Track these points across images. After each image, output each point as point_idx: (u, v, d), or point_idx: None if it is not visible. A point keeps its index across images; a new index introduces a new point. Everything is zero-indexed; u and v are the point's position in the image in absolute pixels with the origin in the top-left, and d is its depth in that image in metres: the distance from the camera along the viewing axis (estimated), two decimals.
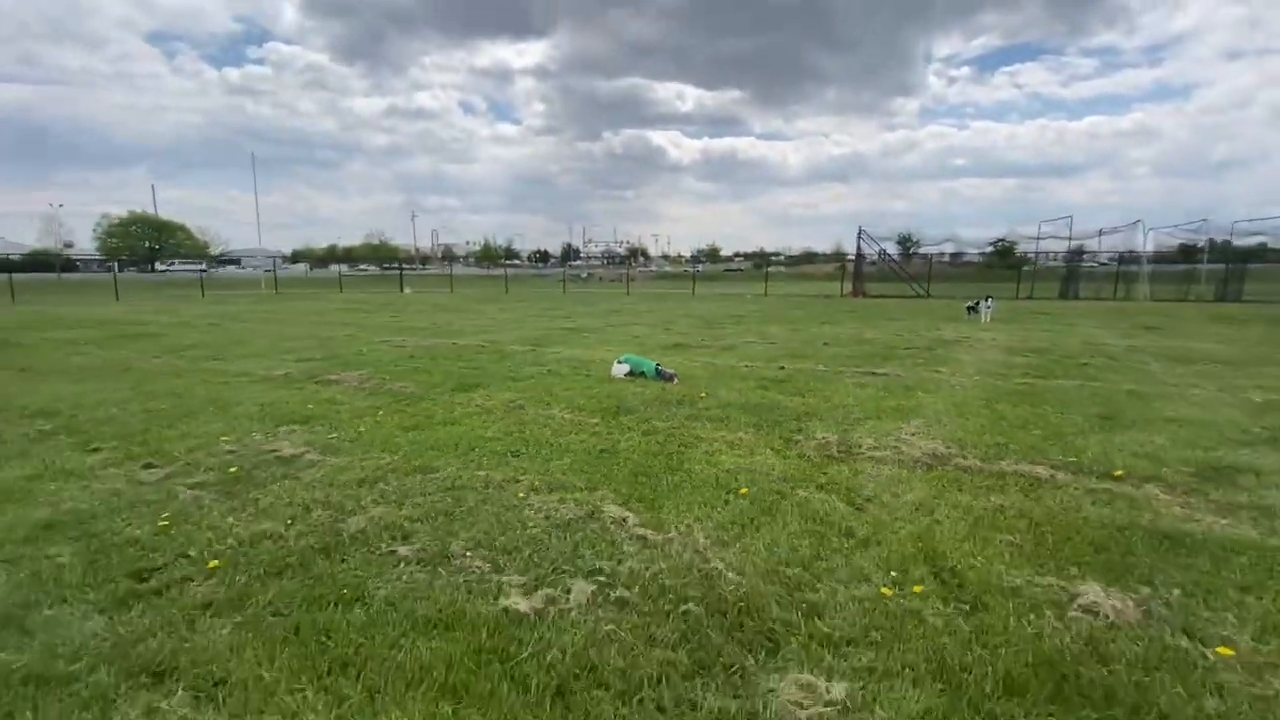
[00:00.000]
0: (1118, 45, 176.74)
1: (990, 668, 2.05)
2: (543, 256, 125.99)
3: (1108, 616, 2.33)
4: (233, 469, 4.06)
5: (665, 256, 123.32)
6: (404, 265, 71.80)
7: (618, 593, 2.51)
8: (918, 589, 2.55)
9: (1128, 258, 31.20)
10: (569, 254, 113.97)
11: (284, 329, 13.79)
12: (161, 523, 3.21)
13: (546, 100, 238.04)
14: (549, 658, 2.10)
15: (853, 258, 32.98)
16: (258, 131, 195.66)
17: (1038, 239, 35.33)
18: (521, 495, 3.59)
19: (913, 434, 4.90)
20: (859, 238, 32.39)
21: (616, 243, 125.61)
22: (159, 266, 78.89)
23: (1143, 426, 5.14)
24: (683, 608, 2.41)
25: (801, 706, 1.88)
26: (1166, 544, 2.96)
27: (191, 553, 2.89)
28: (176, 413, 5.66)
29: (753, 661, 2.12)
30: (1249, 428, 5.06)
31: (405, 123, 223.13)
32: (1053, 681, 1.99)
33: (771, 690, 1.96)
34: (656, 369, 7.31)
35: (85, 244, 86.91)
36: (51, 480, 3.93)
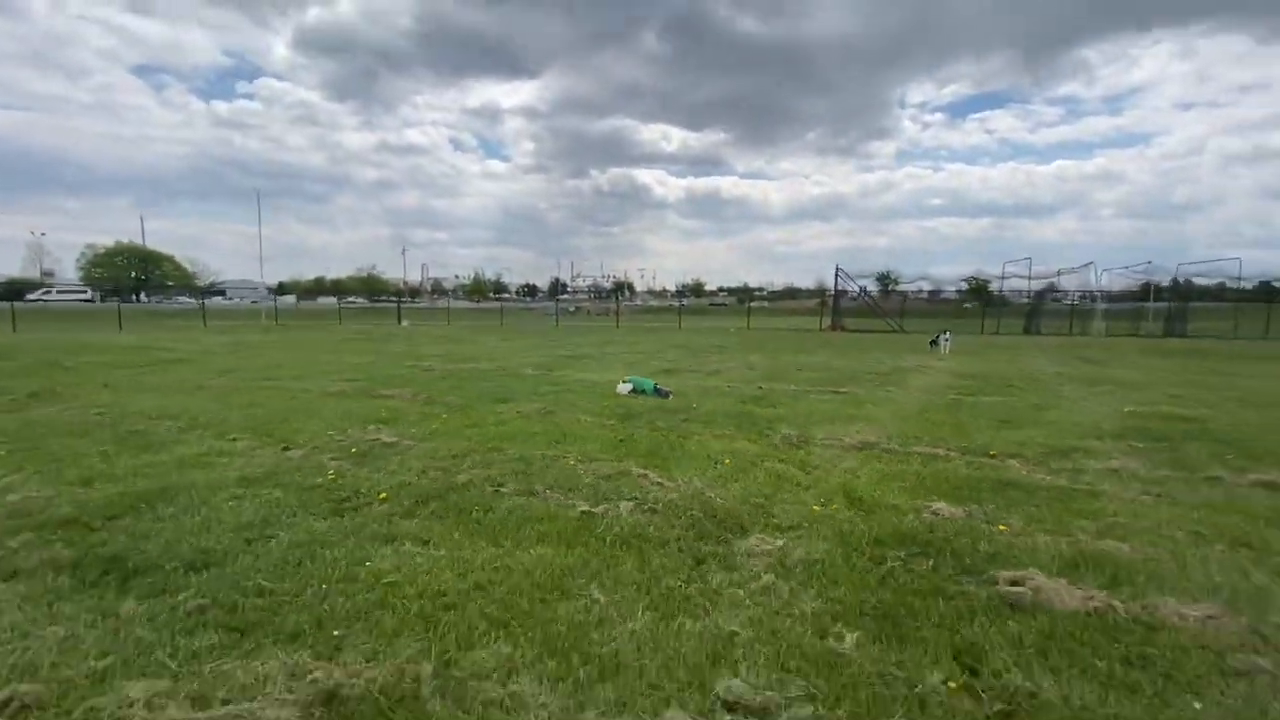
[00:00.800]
0: (1079, 95, 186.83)
1: (867, 535, 3.59)
2: (531, 290, 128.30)
3: (944, 515, 3.89)
4: (353, 450, 5.52)
5: (650, 291, 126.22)
6: (399, 298, 73.08)
7: (648, 506, 4.03)
8: (834, 507, 4.09)
9: (1082, 296, 33.69)
10: (557, 288, 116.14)
11: (311, 355, 15.17)
12: (330, 476, 4.66)
13: (536, 139, 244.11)
14: (614, 530, 3.60)
15: (833, 294, 35.15)
16: (245, 164, 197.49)
17: (1002, 278, 37.89)
18: (571, 463, 5.09)
19: (855, 431, 6.48)
20: (836, 276, 34.62)
21: (603, 277, 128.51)
22: (144, 297, 78.97)
23: (1029, 427, 6.78)
24: (689, 514, 3.92)
25: (757, 548, 3.39)
26: (1001, 488, 4.55)
27: (362, 491, 4.35)
28: (274, 416, 7.08)
29: (731, 535, 3.63)
30: (1103, 428, 6.72)
31: (395, 158, 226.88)
32: (901, 539, 3.53)
33: (741, 543, 3.48)
34: (655, 387, 8.87)
35: (69, 273, 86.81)
36: (219, 456, 5.36)
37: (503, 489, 4.41)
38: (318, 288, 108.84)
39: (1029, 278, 35.48)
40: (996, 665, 2.30)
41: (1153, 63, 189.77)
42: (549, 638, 2.49)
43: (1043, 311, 34.61)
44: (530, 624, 2.60)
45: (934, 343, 17.82)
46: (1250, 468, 5.17)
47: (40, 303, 58.37)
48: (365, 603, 2.77)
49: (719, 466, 5.06)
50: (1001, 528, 3.71)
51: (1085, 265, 36.34)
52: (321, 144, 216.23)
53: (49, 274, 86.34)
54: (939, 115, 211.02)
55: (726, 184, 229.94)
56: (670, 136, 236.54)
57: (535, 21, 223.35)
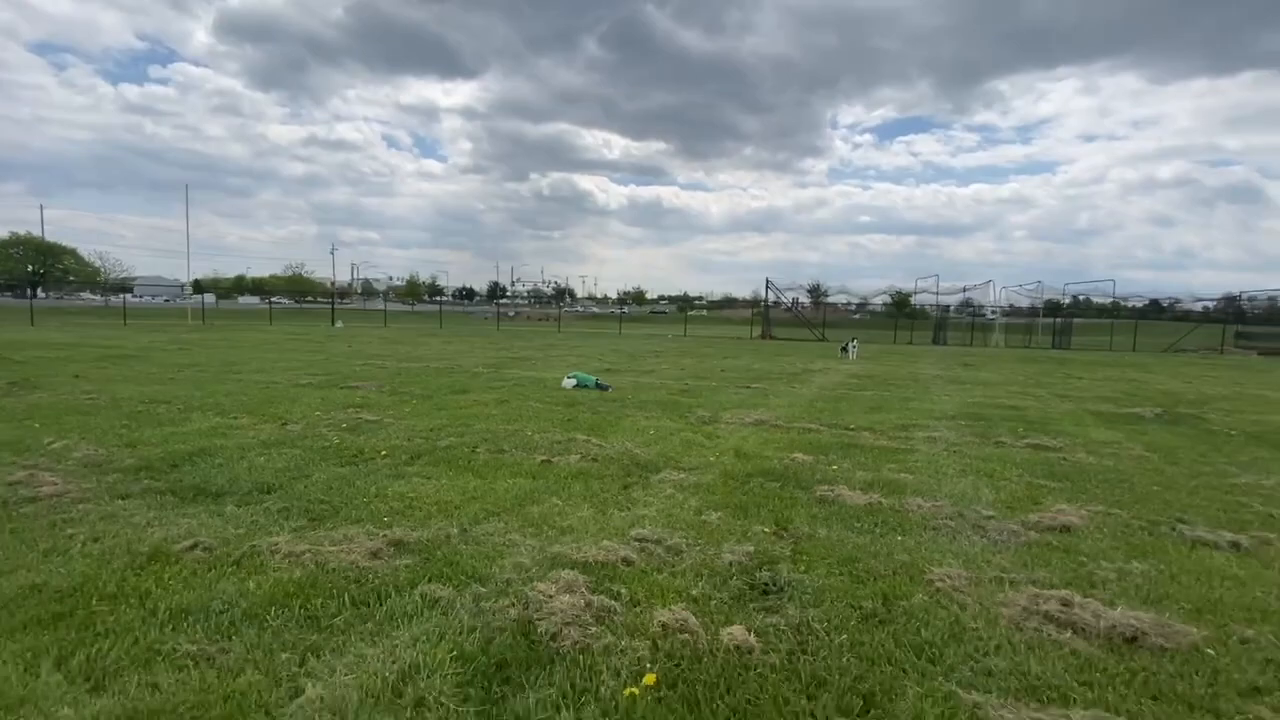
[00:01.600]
0: (994, 124, 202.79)
1: (742, 471, 5.15)
2: (468, 294, 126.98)
3: (799, 461, 5.51)
4: (344, 425, 6.68)
5: (592, 297, 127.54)
6: (329, 299, 71.27)
7: (591, 457, 5.47)
8: (725, 458, 5.65)
9: (978, 311, 37.51)
10: (496, 292, 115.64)
11: (259, 354, 15.76)
12: (336, 440, 5.85)
13: (474, 139, 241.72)
14: (567, 470, 5.01)
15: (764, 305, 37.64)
16: (156, 153, 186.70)
17: (915, 293, 41.56)
18: (529, 434, 6.45)
19: (755, 414, 8.12)
20: (767, 287, 37.14)
21: (544, 282, 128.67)
22: (41, 293, 73.13)
23: (891, 411, 8.62)
24: (621, 462, 5.37)
25: (666, 479, 4.89)
26: (847, 448, 6.24)
27: (365, 450, 5.57)
28: (260, 402, 8.07)
29: (649, 474, 5.11)
30: (945, 412, 8.65)
31: (325, 153, 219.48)
32: (765, 473, 5.10)
33: (655, 476, 4.96)
34: (596, 382, 10.30)
35: None
36: (229, 429, 6.40)
37: (477, 450, 5.74)
38: (238, 286, 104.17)
39: (937, 293, 39.17)
40: (798, 524, 3.87)
41: (1059, 96, 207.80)
42: (527, 519, 3.89)
43: (948, 324, 38.32)
44: (514, 514, 3.98)
45: (844, 349, 20.05)
46: (1031, 436, 7.10)
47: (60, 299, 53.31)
48: (399, 505, 4.07)
49: (645, 435, 6.55)
50: (834, 468, 5.36)
51: (986, 283, 40.45)
52: (243, 135, 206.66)
53: None
54: (868, 136, 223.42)
55: (668, 193, 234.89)
56: (612, 144, 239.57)
57: (474, 22, 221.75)
